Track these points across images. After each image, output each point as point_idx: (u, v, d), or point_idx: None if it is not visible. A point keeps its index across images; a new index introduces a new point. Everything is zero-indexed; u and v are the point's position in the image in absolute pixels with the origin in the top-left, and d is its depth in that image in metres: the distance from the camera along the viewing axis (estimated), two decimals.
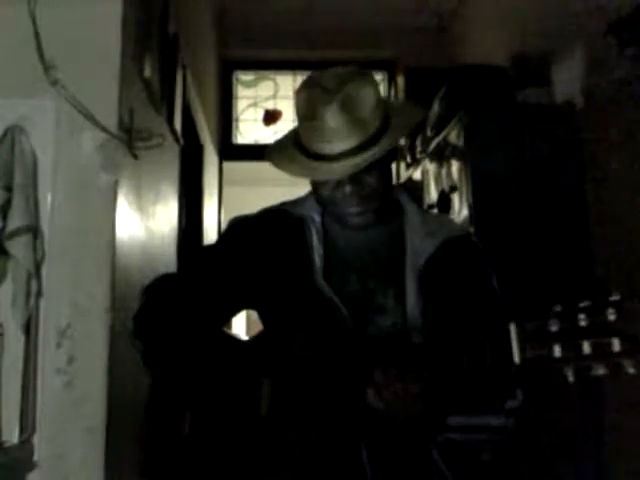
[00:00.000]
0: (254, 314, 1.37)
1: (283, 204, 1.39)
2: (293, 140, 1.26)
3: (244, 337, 1.33)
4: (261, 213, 1.39)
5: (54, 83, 1.75)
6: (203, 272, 1.36)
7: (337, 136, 1.17)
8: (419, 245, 1.27)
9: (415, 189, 3.33)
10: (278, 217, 1.36)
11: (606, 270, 2.48)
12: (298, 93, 1.23)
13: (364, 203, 1.23)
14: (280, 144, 1.31)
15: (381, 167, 1.23)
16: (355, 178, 1.20)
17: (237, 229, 1.38)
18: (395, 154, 1.37)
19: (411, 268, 1.25)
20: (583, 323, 0.89)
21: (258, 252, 1.32)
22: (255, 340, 1.28)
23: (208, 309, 1.32)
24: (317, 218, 1.32)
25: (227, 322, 1.44)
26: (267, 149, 1.31)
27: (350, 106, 1.17)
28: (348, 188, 1.21)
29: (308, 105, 1.20)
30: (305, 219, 1.32)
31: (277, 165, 1.27)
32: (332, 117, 1.16)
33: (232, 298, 1.35)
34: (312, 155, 1.20)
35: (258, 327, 1.33)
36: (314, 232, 1.30)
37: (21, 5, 1.76)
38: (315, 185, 1.27)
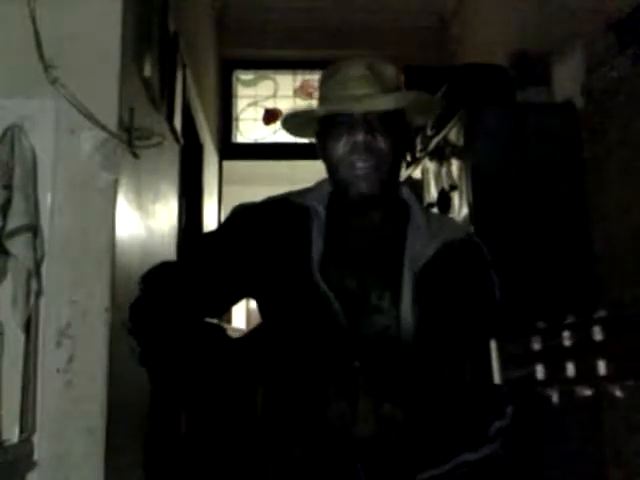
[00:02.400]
0: (254, 309, 1.36)
1: (288, 194, 1.38)
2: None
3: (244, 328, 1.32)
4: (264, 201, 1.37)
5: (54, 82, 1.75)
6: (202, 259, 1.34)
7: (357, 85, 1.24)
8: (419, 248, 1.25)
9: (415, 188, 3.33)
10: (281, 205, 1.34)
11: (606, 270, 2.49)
12: (323, 72, 1.33)
13: (373, 160, 1.23)
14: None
15: (395, 138, 1.25)
16: (369, 130, 1.22)
17: (239, 216, 1.36)
18: (408, 143, 1.37)
19: (409, 271, 1.24)
20: (567, 342, 0.83)
21: (259, 239, 1.30)
22: (250, 336, 1.27)
23: (207, 297, 1.31)
24: (321, 210, 1.30)
25: (226, 310, 1.42)
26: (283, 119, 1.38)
27: (373, 66, 1.26)
28: (361, 137, 1.22)
29: (333, 67, 1.29)
30: (309, 209, 1.31)
31: (293, 113, 1.34)
32: (355, 69, 1.25)
33: (231, 285, 1.33)
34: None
35: (257, 318, 1.32)
36: (316, 224, 1.29)
37: (21, 4, 1.75)
38: (329, 146, 1.27)
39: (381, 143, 1.23)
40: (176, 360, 1.25)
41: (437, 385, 0.99)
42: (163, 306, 1.29)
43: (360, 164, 1.23)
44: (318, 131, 1.32)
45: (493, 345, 0.91)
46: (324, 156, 1.30)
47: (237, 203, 1.39)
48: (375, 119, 1.23)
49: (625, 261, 2.36)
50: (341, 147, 1.24)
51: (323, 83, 1.31)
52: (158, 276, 1.34)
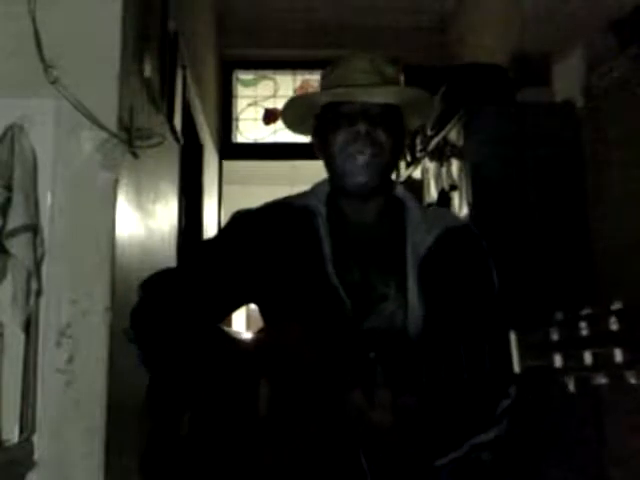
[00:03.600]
0: (254, 311, 1.36)
1: (286, 197, 1.39)
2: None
3: (244, 334, 1.32)
4: (264, 206, 1.38)
5: (54, 82, 1.75)
6: (203, 266, 1.35)
7: (359, 77, 1.25)
8: (419, 237, 1.28)
9: (415, 188, 3.33)
10: (282, 209, 1.36)
11: (605, 268, 2.49)
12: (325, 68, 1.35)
13: (373, 151, 1.24)
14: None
15: (394, 133, 1.27)
16: (370, 121, 1.24)
17: (239, 222, 1.37)
18: (405, 144, 1.38)
19: (412, 258, 1.26)
20: (584, 332, 0.87)
21: (260, 243, 1.31)
22: (254, 337, 1.27)
23: (208, 304, 1.31)
24: (322, 209, 1.32)
25: (227, 317, 1.43)
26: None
27: (376, 61, 1.28)
28: (362, 128, 1.24)
29: (336, 61, 1.31)
30: (311, 209, 1.32)
31: (296, 97, 1.36)
32: (358, 62, 1.28)
33: (233, 291, 1.34)
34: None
35: (258, 324, 1.32)
36: (320, 222, 1.30)
37: (21, 4, 1.75)
38: (329, 137, 1.28)
39: (381, 135, 1.25)
40: (179, 361, 1.26)
41: (453, 374, 1.02)
42: (164, 312, 1.30)
43: (360, 154, 1.25)
44: (316, 126, 1.33)
45: (512, 336, 0.94)
46: (323, 149, 1.31)
47: (237, 205, 1.40)
48: (376, 112, 1.25)
49: (625, 260, 2.36)
50: (342, 137, 1.26)
51: (325, 76, 1.32)
52: (158, 283, 1.35)
